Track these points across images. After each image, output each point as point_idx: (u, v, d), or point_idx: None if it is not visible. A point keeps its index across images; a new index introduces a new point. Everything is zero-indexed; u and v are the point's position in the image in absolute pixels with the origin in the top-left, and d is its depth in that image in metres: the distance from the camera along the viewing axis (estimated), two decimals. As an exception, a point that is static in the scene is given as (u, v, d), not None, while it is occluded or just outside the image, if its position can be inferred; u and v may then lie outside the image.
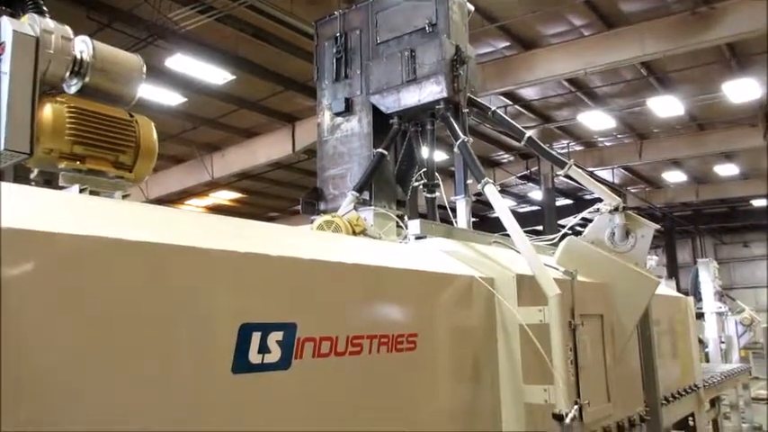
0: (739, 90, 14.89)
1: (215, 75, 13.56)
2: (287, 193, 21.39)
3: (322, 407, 2.50)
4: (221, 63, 13.11)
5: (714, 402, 8.06)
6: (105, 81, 2.56)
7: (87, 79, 2.54)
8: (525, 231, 4.05)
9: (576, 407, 3.32)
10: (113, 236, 1.92)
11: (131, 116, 2.62)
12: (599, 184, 5.46)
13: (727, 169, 21.06)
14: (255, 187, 21.42)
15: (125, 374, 1.86)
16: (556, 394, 3.37)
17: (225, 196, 22.17)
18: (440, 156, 12.03)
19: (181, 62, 12.81)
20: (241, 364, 2.17)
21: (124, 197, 2.49)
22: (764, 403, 12.50)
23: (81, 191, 2.40)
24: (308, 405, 2.45)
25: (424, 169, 5.53)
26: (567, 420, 3.25)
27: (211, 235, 2.42)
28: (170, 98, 14.53)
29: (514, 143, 17.53)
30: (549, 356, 3.44)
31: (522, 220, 3.96)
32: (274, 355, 2.30)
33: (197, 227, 2.54)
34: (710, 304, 12.86)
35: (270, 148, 16.90)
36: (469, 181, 5.51)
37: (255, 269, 2.35)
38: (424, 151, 5.58)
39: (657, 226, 5.26)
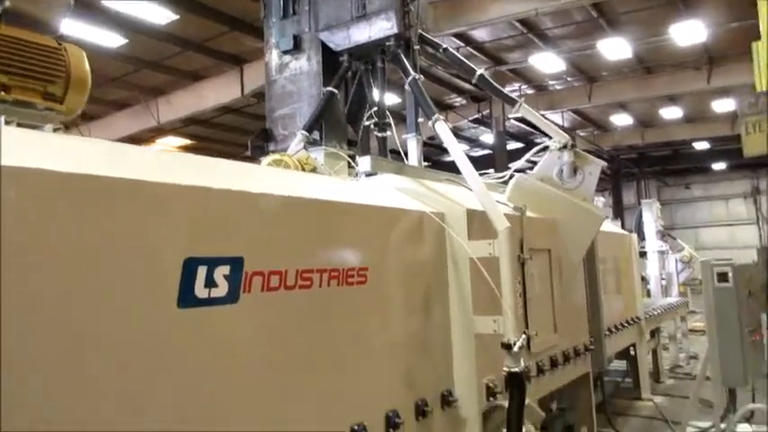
0: (686, 32, 15.12)
1: (157, 14, 12.90)
2: (236, 138, 20.92)
3: (272, 341, 2.49)
4: (163, 1, 12.49)
5: (654, 333, 8.47)
6: (27, 4, 2.38)
7: (7, 2, 2.36)
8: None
9: (523, 336, 3.41)
10: (49, 168, 1.82)
11: (60, 44, 2.46)
12: (549, 123, 5.49)
13: (671, 112, 21.58)
14: (204, 133, 20.86)
15: (64, 310, 1.79)
16: (504, 325, 3.45)
17: (173, 143, 21.53)
18: (392, 99, 11.89)
19: (119, 1, 12.14)
20: (187, 298, 2.12)
21: (55, 130, 2.35)
22: (700, 334, 13.22)
23: (7, 123, 2.26)
24: (258, 339, 2.43)
25: (375, 108, 5.45)
26: (515, 349, 3.33)
27: (154, 168, 2.32)
28: (109, 39, 13.80)
29: (466, 86, 17.49)
30: (499, 289, 3.50)
31: (474, 163, 3.96)
32: (222, 289, 2.25)
33: (140, 160, 2.43)
34: (653, 243, 13.33)
35: (218, 92, 16.36)
36: (420, 119, 5.47)
37: (199, 202, 2.28)
38: (375, 91, 5.48)
39: (604, 163, 5.35)
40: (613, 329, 6.38)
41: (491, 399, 3.67)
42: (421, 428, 3.28)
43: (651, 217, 13.65)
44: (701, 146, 25.81)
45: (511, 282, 3.47)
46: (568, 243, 4.94)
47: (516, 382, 3.45)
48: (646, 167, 29.44)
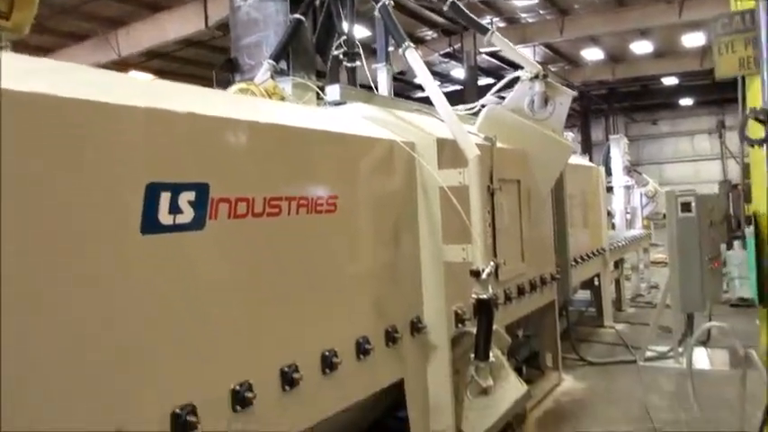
0: (658, -36, 14.90)
1: (111, -63, 12.21)
2: (203, 72, 20.20)
3: (241, 268, 2.47)
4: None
5: (618, 264, 8.69)
6: None
7: None
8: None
9: (492, 264, 3.45)
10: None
11: (2, -45, 2.29)
12: (520, 52, 5.42)
13: (642, 47, 21.51)
14: (169, 68, 20.12)
15: (19, 238, 1.73)
16: (473, 253, 3.48)
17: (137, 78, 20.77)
18: (361, 32, 11.57)
19: None
20: (150, 224, 2.07)
21: (2, 48, 2.21)
22: (661, 266, 13.65)
23: (-51, 40, 2.12)
24: (226, 267, 2.40)
25: (344, 38, 5.28)
26: (484, 276, 3.38)
27: (115, 90, 2.20)
28: (61, -35, 13.05)
29: (438, 19, 17.09)
30: (468, 217, 3.51)
31: (445, 98, 3.88)
32: (186, 215, 2.20)
33: (101, 82, 2.30)
34: (619, 178, 13.53)
35: (180, 24, 15.68)
36: (390, 48, 5.33)
37: (162, 126, 2.19)
38: (345, 20, 5.30)
39: (575, 93, 5.33)
40: (579, 260, 6.53)
41: (460, 325, 3.75)
42: (391, 354, 3.34)
43: (618, 152, 13.79)
44: (670, 81, 25.92)
45: (480, 210, 3.49)
46: (537, 174, 4.96)
47: (484, 309, 3.52)
48: (615, 104, 29.55)
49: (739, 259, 2.53)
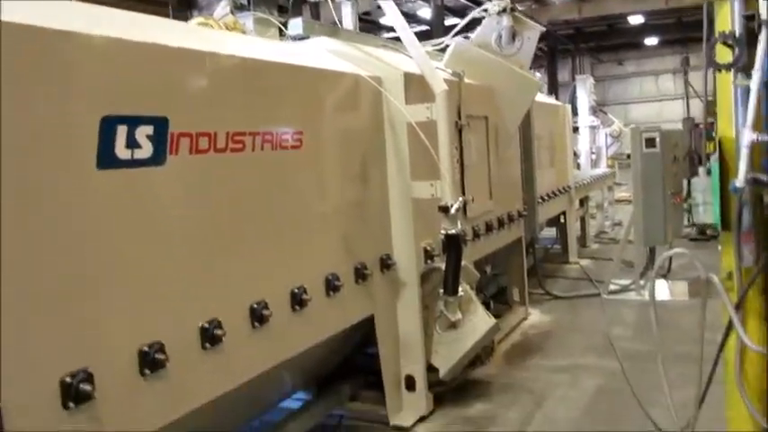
0: None
1: None
2: (156, 10, 19.40)
3: (205, 205, 2.41)
4: None
5: (583, 202, 8.83)
6: None
7: None
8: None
9: (460, 200, 3.44)
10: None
11: None
12: (488, -16, 5.28)
13: (608, -15, 21.32)
14: (120, 6, 19.24)
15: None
16: (442, 188, 3.47)
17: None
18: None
19: None
20: (107, 159, 1.99)
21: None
22: (625, 204, 13.93)
23: None
24: (189, 203, 2.34)
25: (306, -31, 5.07)
26: (452, 211, 3.38)
27: (68, 18, 2.04)
28: None
29: (403, -45, 16.57)
30: (436, 153, 3.48)
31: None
32: (146, 150, 2.12)
33: (54, 9, 2.12)
34: (585, 118, 13.60)
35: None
36: (355, -19, 5.16)
37: (118, 57, 2.08)
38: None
39: (543, 28, 5.25)
40: (546, 197, 6.59)
41: (429, 261, 3.77)
42: (361, 291, 3.35)
43: (585, 93, 13.81)
44: (636, 20, 25.80)
45: (448, 145, 3.46)
46: (505, 110, 4.93)
47: (453, 244, 3.53)
48: (581, 44, 29.43)
49: (704, 185, 2.56)
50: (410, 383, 3.74)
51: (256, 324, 2.57)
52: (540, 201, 6.36)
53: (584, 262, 7.97)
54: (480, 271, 5.19)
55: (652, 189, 6.02)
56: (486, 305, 5.15)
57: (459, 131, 4.23)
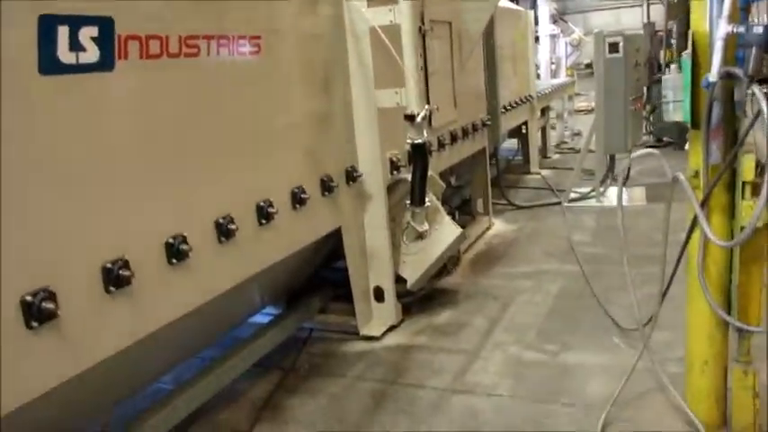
0: None
1: None
2: None
3: (160, 114, 2.27)
4: None
5: (544, 112, 8.81)
6: None
7: None
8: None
9: (426, 107, 3.36)
10: None
11: None
12: None
13: None
14: None
15: None
16: (407, 96, 3.36)
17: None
18: None
19: None
20: (49, 63, 1.82)
21: None
22: (584, 114, 14.02)
23: None
24: (141, 112, 2.19)
25: None
26: (418, 120, 3.30)
27: None
28: None
29: None
30: (401, 59, 3.35)
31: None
32: (91, 53, 1.95)
33: None
34: (545, 27, 13.39)
35: None
36: None
37: (47, -51, 1.87)
38: None
39: (507, -74, 5.02)
40: (508, 107, 6.53)
41: (395, 172, 3.72)
42: (327, 203, 3.29)
43: (545, 0, 13.53)
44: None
45: (413, 51, 3.33)
46: (469, 15, 4.76)
47: (419, 153, 3.48)
48: (541, -51, 28.63)
49: (675, 82, 2.52)
50: (379, 294, 3.77)
51: (222, 239, 2.51)
52: (502, 110, 6.31)
53: (546, 172, 8.05)
54: (445, 182, 5.19)
55: (614, 95, 6.01)
56: (452, 216, 5.19)
57: (423, 37, 4.08)
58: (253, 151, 2.77)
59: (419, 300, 4.03)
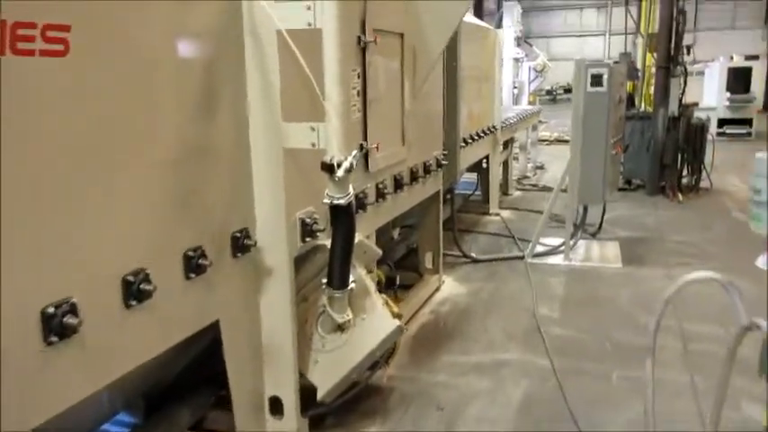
0: None
1: None
2: None
3: None
4: None
5: (507, 144, 7.87)
6: None
7: None
8: None
9: (354, 153, 2.28)
10: None
11: None
12: None
13: None
14: None
15: None
16: (327, 135, 2.29)
17: None
18: None
19: None
20: None
21: None
22: (546, 144, 13.26)
23: None
24: None
25: None
26: (340, 172, 2.21)
27: None
28: None
29: None
30: (320, 81, 2.28)
31: None
32: None
33: None
34: (510, 49, 12.64)
35: None
36: None
37: None
38: None
39: None
40: (469, 140, 5.53)
41: (308, 239, 2.62)
42: (195, 289, 2.16)
43: (511, 21, 12.79)
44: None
45: (339, 69, 2.26)
46: (429, 26, 3.73)
47: (341, 218, 2.40)
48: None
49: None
50: (276, 407, 2.66)
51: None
52: (462, 144, 5.29)
53: (506, 213, 7.10)
54: (386, 238, 4.13)
55: (594, 136, 5.06)
56: (392, 282, 4.13)
57: (363, 50, 3.02)
58: (49, 214, 1.63)
59: (336, 408, 2.93)
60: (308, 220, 2.59)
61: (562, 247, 5.47)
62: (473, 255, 5.48)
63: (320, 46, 2.25)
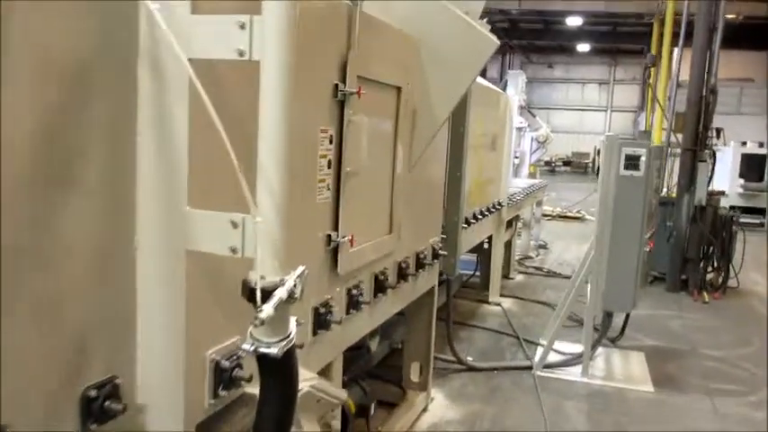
0: None
1: None
2: None
3: None
4: None
5: (511, 222, 6.98)
6: None
7: None
8: None
9: (301, 270, 1.35)
10: None
11: None
12: None
13: (553, -21, 19.92)
14: None
15: None
16: (254, 235, 1.35)
17: None
18: None
19: None
20: None
21: None
22: (548, 219, 12.44)
23: None
24: None
25: None
26: (271, 306, 1.27)
27: None
28: None
29: None
30: (247, 145, 1.36)
31: None
32: None
33: None
34: (514, 119, 12.10)
35: None
36: None
37: None
38: None
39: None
40: (472, 220, 4.63)
41: (223, 392, 1.65)
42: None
43: (515, 90, 12.25)
44: (574, 22, 24.74)
45: (283, 131, 1.34)
46: (435, 83, 2.87)
47: (273, 373, 1.44)
48: (514, 40, 28.20)
49: None
50: None
51: None
52: (464, 224, 4.38)
53: (508, 303, 6.13)
54: (363, 350, 3.18)
55: (627, 230, 4.13)
56: (364, 411, 3.12)
57: (341, 104, 2.13)
58: None
59: None
60: (224, 363, 1.63)
61: (580, 360, 4.48)
62: (470, 360, 4.48)
63: (257, 86, 1.34)
